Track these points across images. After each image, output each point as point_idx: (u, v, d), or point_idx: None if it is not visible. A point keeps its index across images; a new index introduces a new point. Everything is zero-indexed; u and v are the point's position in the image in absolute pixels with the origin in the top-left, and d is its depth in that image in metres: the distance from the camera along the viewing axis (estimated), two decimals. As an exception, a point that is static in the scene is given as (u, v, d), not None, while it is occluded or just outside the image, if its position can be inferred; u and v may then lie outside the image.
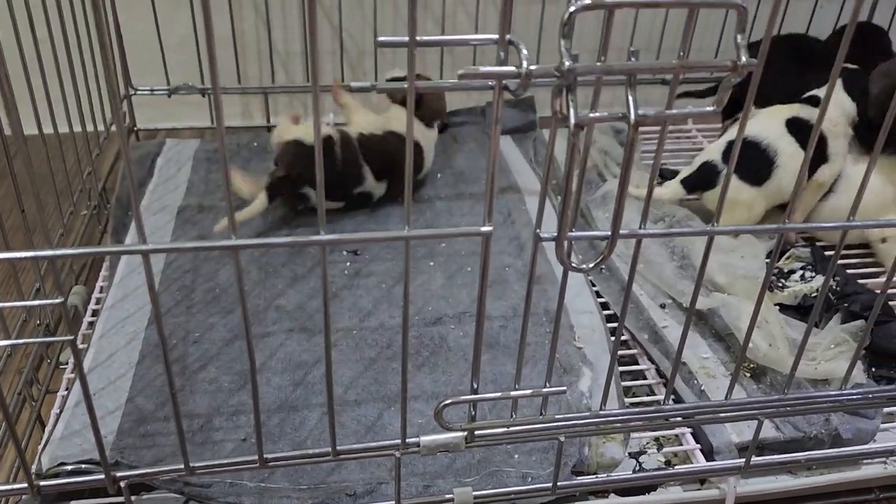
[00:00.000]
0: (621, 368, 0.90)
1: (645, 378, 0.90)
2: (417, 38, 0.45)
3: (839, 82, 1.10)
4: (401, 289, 0.97)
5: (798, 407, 0.71)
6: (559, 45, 0.45)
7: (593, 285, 1.01)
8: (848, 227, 0.59)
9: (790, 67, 1.20)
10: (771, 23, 0.49)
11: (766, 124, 1.06)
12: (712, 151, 1.07)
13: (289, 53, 1.43)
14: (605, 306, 0.98)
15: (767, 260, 1.03)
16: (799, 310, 0.96)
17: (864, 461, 0.80)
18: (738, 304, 0.90)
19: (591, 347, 0.89)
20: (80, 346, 0.87)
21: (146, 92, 1.29)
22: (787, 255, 1.06)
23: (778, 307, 0.94)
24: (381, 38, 0.45)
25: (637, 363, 0.92)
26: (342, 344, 0.87)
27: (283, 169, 1.03)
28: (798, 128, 1.05)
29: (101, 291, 0.97)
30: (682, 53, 0.47)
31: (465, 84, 0.47)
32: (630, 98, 0.47)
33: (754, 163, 1.04)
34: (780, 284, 1.01)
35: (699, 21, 1.44)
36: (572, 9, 0.44)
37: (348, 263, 1.00)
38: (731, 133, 1.10)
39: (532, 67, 0.45)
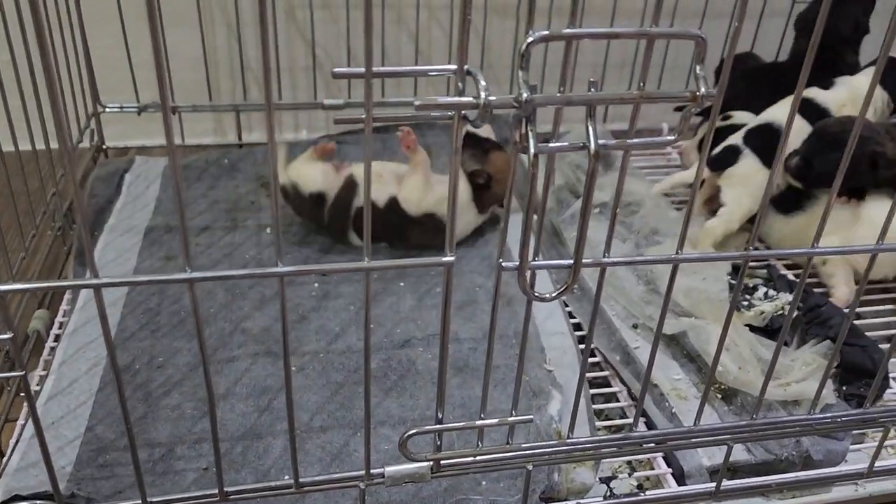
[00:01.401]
0: (593, 391, 0.89)
1: (617, 400, 0.89)
2: (374, 69, 0.45)
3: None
4: (370, 311, 0.96)
5: (767, 432, 0.70)
6: (517, 76, 0.44)
7: (566, 305, 1.00)
8: (813, 253, 0.59)
9: (762, 86, 1.22)
10: (731, 50, 0.49)
11: (785, 108, 1.11)
12: (735, 136, 1.14)
13: (262, 70, 1.41)
14: (577, 327, 0.98)
15: (728, 277, 1.03)
16: (767, 331, 0.96)
17: (836, 483, 0.80)
18: (705, 327, 0.90)
19: (562, 370, 0.88)
20: (41, 374, 0.85)
21: (115, 109, 1.27)
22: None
23: (748, 328, 0.94)
24: (336, 70, 0.44)
25: (609, 385, 0.91)
26: (309, 368, 0.86)
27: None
28: (806, 107, 1.12)
29: (63, 316, 0.94)
30: (641, 84, 0.47)
31: (424, 115, 0.46)
32: (590, 128, 0.47)
33: (771, 146, 1.08)
34: (746, 302, 1.01)
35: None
36: (530, 39, 0.44)
37: (316, 285, 0.99)
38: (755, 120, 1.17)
39: (491, 98, 0.45)
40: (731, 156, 1.12)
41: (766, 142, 1.11)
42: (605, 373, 0.92)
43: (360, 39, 1.40)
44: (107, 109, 1.27)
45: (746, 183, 1.10)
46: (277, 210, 0.48)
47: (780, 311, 0.98)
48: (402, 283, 1.00)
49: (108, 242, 1.05)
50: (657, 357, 0.92)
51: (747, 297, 1.03)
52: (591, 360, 0.94)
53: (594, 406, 0.86)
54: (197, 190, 1.20)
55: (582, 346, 0.93)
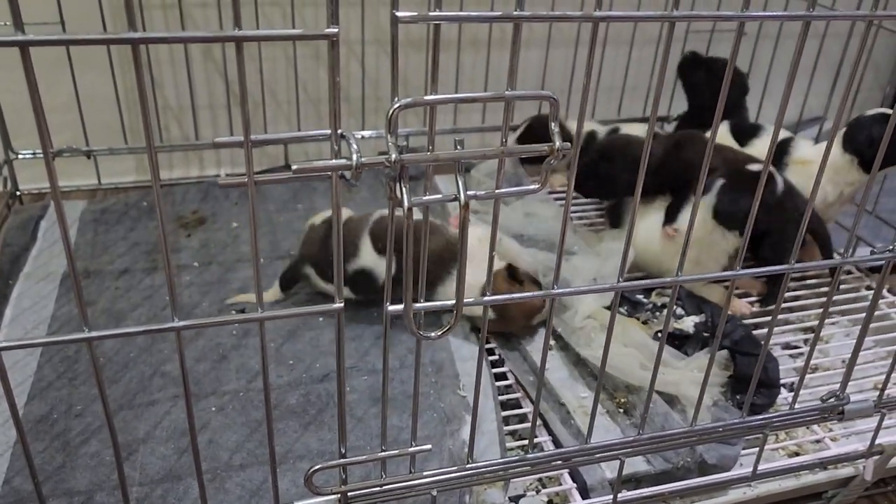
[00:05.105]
0: (507, 413, 0.93)
1: (530, 420, 0.94)
2: (252, 136, 0.48)
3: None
4: (290, 346, 0.99)
5: (655, 444, 0.75)
6: (386, 138, 0.48)
7: (478, 332, 1.05)
8: (679, 281, 0.64)
9: None
10: (582, 111, 0.54)
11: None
12: None
13: (182, 108, 1.43)
14: (490, 352, 1.02)
15: (641, 296, 1.09)
16: (673, 342, 1.02)
17: (732, 486, 0.85)
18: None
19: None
20: (-45, 428, 0.85)
21: (28, 155, 1.27)
22: (656, 291, 1.12)
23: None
24: (217, 139, 0.47)
25: (521, 406, 0.95)
26: (229, 407, 0.88)
27: (297, 252, 1.06)
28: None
29: (-22, 368, 0.94)
30: (504, 140, 0.51)
31: (305, 176, 0.49)
32: (459, 182, 0.51)
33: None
34: (656, 320, 1.07)
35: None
36: (396, 106, 0.48)
37: (236, 323, 1.01)
38: None
39: (363, 160, 0.48)
40: None
41: None
42: (518, 395, 0.97)
43: (278, 74, 1.44)
44: (19, 156, 1.26)
45: None
46: (170, 270, 0.51)
47: (677, 331, 1.04)
48: (321, 319, 1.03)
49: (23, 290, 1.05)
50: (565, 377, 0.98)
51: (657, 314, 1.09)
52: (504, 382, 0.98)
53: (508, 427, 0.91)
54: (116, 233, 1.21)
55: (495, 370, 0.98)
